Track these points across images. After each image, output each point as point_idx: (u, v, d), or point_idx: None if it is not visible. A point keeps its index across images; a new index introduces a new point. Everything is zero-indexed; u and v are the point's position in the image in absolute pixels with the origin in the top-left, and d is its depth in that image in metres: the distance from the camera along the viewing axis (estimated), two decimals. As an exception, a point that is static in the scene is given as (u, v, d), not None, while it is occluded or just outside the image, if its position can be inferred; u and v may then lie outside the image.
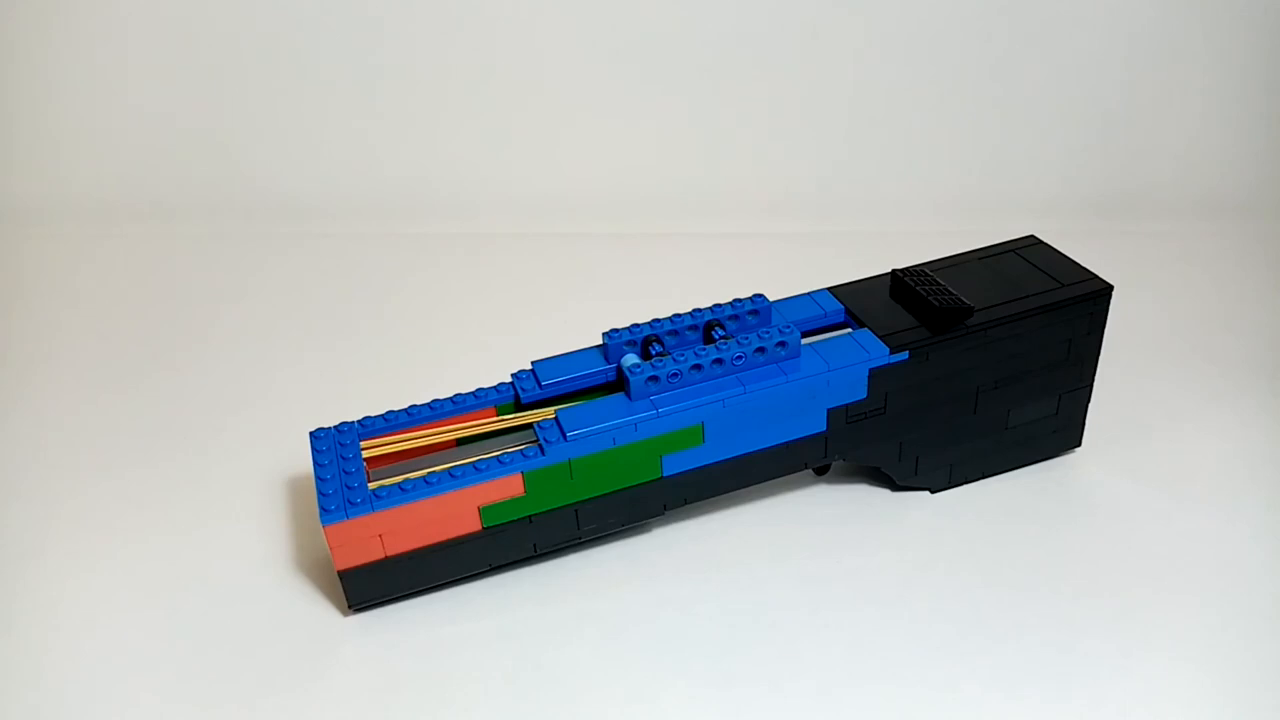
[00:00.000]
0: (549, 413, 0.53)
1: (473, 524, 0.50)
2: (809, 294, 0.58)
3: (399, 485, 0.49)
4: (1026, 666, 0.48)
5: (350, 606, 0.51)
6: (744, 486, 0.55)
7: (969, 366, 0.55)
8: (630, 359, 0.53)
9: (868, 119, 0.92)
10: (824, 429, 0.54)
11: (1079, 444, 0.61)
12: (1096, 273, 0.57)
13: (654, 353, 0.54)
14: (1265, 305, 0.77)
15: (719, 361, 0.51)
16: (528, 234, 0.87)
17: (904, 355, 0.53)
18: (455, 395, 0.55)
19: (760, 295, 0.56)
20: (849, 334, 0.54)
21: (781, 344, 0.52)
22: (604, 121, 0.92)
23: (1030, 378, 0.56)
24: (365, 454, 0.52)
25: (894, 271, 0.58)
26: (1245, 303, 0.77)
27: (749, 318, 0.55)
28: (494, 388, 0.55)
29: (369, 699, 0.47)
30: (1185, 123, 0.91)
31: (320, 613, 0.52)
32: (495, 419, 0.54)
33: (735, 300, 0.56)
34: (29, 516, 0.59)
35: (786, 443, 0.53)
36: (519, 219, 0.89)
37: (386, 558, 0.50)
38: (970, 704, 0.46)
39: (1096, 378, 0.58)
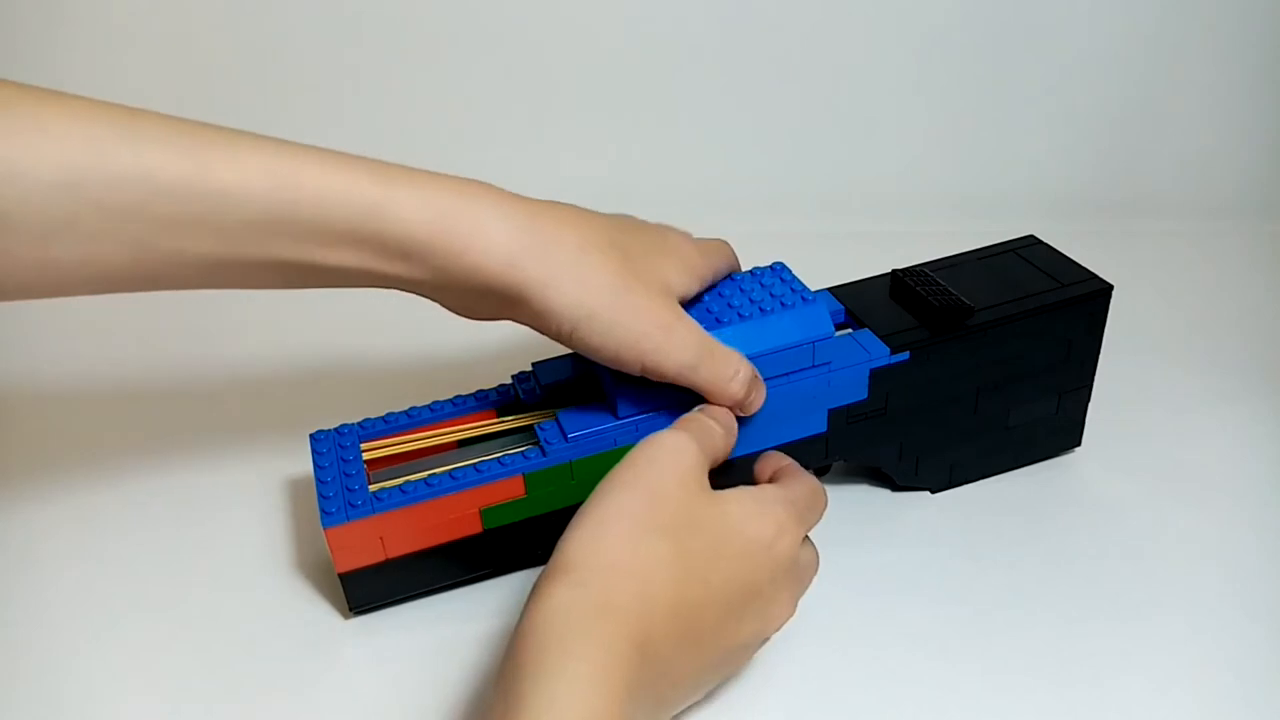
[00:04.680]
0: (550, 414, 0.53)
1: (474, 526, 0.50)
2: (809, 294, 0.58)
3: (399, 487, 0.49)
4: (1026, 666, 0.48)
5: (351, 609, 0.51)
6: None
7: (969, 367, 0.55)
8: (631, 360, 0.53)
9: (868, 119, 0.92)
10: (825, 430, 0.54)
11: (1079, 444, 0.61)
12: (1096, 273, 0.57)
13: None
14: (1266, 305, 0.77)
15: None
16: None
17: (905, 355, 0.53)
18: (455, 397, 0.55)
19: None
20: (849, 334, 0.54)
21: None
22: (603, 121, 0.92)
23: (1030, 378, 0.56)
24: (365, 456, 0.52)
25: (894, 271, 0.58)
26: (1246, 303, 0.77)
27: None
28: (494, 389, 0.55)
29: (370, 701, 0.47)
30: (1186, 123, 0.91)
31: (321, 615, 0.52)
32: (495, 420, 0.54)
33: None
34: (29, 517, 0.59)
35: (787, 443, 0.53)
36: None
37: (387, 560, 0.50)
38: (970, 704, 0.46)
39: (1096, 378, 0.58)
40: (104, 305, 0.80)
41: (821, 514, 0.46)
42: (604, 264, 0.45)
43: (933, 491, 0.59)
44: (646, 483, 0.40)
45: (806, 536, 0.46)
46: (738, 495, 0.42)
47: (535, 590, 0.38)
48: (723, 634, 0.41)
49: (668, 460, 0.41)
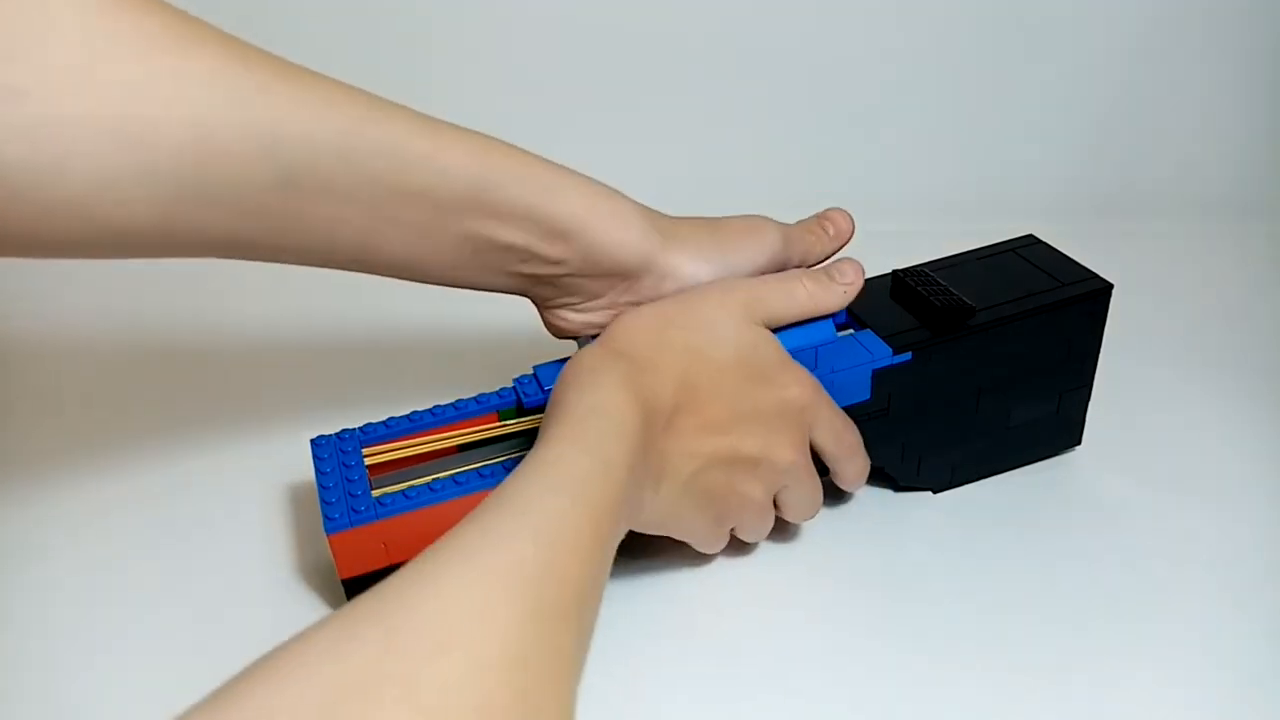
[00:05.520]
0: (551, 417, 0.53)
1: (476, 529, 0.50)
2: (810, 296, 0.57)
3: (403, 493, 0.49)
4: (1026, 666, 0.48)
5: (354, 613, 0.51)
6: (746, 489, 0.55)
7: (971, 367, 0.55)
8: (632, 363, 0.53)
9: (867, 119, 0.92)
10: (826, 431, 0.54)
11: (1079, 443, 0.61)
12: (1096, 273, 0.57)
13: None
14: (1265, 305, 0.77)
15: None
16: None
17: (907, 356, 0.53)
18: (457, 401, 0.55)
19: None
20: (851, 335, 0.54)
21: None
22: (601, 122, 0.92)
23: (1031, 377, 0.56)
24: (367, 461, 0.52)
25: (895, 272, 0.58)
26: (1245, 303, 0.77)
27: None
28: (495, 393, 0.55)
29: (373, 705, 0.47)
30: (1186, 123, 0.91)
31: (324, 619, 0.52)
32: (497, 424, 0.54)
33: None
34: (29, 523, 0.59)
35: (789, 445, 0.53)
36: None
37: (391, 566, 0.49)
38: (970, 703, 0.46)
39: (1096, 377, 0.58)
40: (103, 305, 0.80)
41: (837, 436, 0.52)
42: (696, 224, 0.54)
43: (934, 491, 0.59)
44: (690, 293, 0.50)
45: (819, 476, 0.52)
46: (773, 341, 0.50)
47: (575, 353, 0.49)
48: (720, 436, 0.48)
49: (724, 282, 0.51)
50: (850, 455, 0.53)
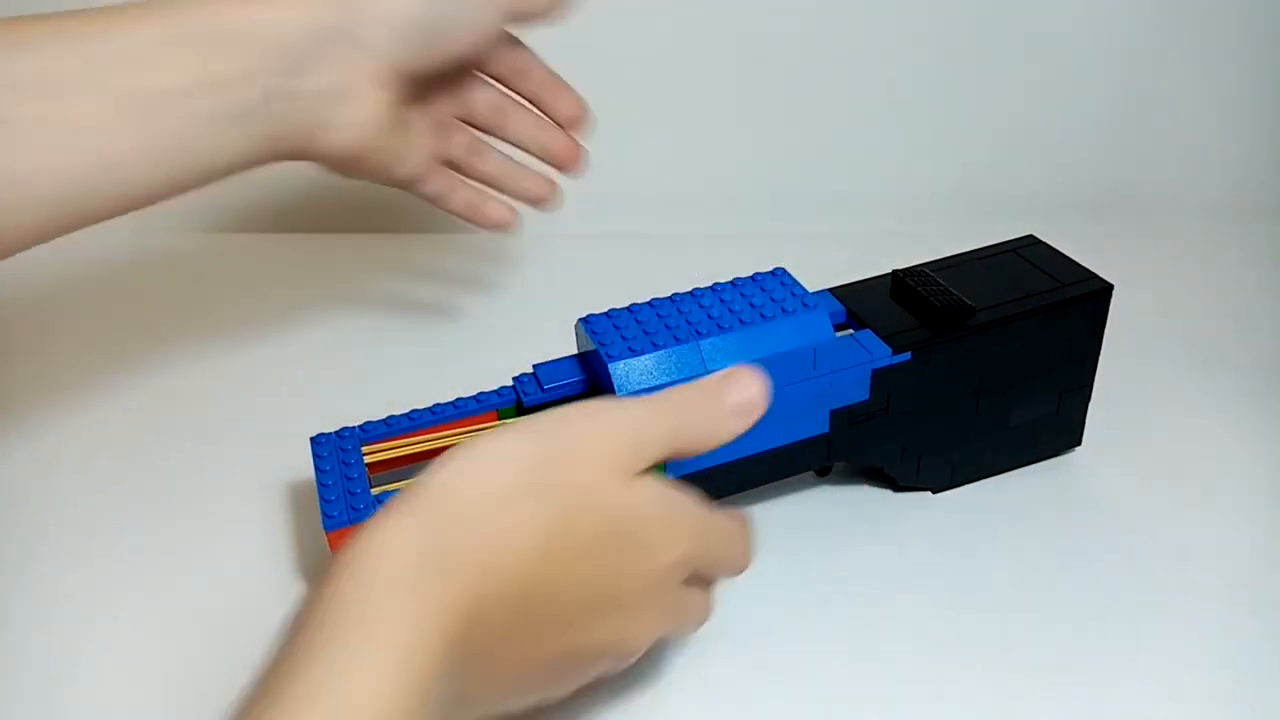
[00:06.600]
0: (551, 416, 0.53)
1: (475, 528, 0.50)
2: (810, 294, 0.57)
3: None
4: (1026, 666, 0.48)
5: (353, 611, 0.51)
6: (747, 489, 0.55)
7: (971, 367, 0.55)
8: (632, 362, 0.53)
9: (866, 119, 0.92)
10: (827, 431, 0.54)
11: (1079, 443, 0.61)
12: (1096, 273, 0.57)
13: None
14: (1266, 305, 0.77)
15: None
16: (529, 234, 0.87)
17: (906, 356, 0.53)
18: (456, 399, 0.55)
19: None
20: (851, 335, 0.54)
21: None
22: (602, 122, 0.92)
23: (1031, 377, 0.56)
24: (366, 459, 0.52)
25: (895, 272, 0.58)
26: (1245, 303, 0.77)
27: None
28: (495, 391, 0.55)
29: (372, 703, 0.47)
30: (1185, 123, 0.90)
31: (323, 617, 0.52)
32: (497, 423, 0.54)
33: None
34: (27, 522, 0.58)
35: (790, 445, 0.53)
36: (520, 219, 0.89)
37: (389, 562, 0.49)
38: (970, 704, 0.46)
39: (1096, 377, 0.58)
40: (102, 304, 0.80)
41: (730, 565, 0.42)
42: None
43: (934, 492, 0.59)
44: (560, 437, 0.36)
45: (707, 586, 0.42)
46: (655, 492, 0.38)
47: (380, 511, 0.34)
48: (566, 632, 0.36)
49: (604, 424, 0.37)
50: (746, 567, 0.44)
